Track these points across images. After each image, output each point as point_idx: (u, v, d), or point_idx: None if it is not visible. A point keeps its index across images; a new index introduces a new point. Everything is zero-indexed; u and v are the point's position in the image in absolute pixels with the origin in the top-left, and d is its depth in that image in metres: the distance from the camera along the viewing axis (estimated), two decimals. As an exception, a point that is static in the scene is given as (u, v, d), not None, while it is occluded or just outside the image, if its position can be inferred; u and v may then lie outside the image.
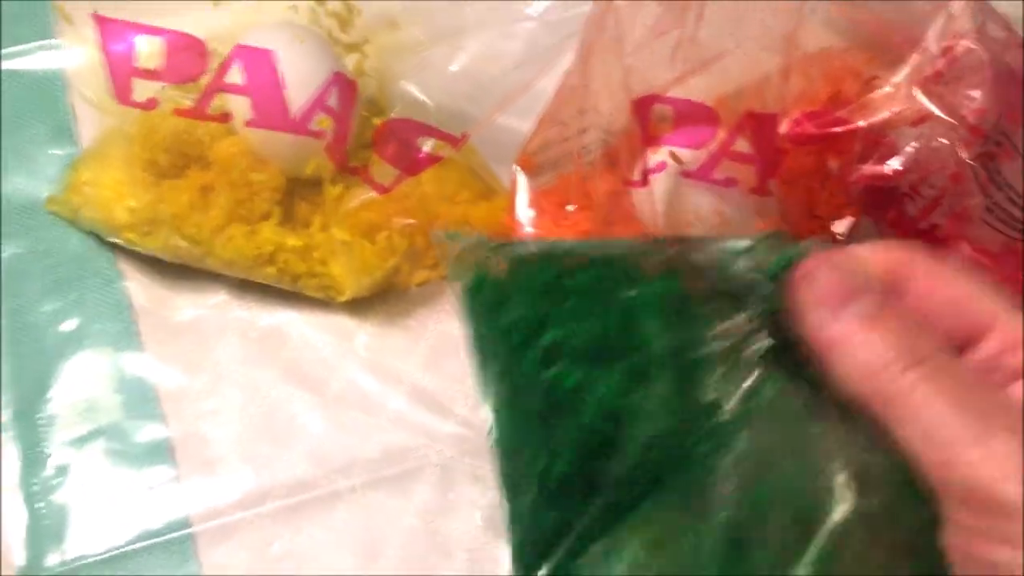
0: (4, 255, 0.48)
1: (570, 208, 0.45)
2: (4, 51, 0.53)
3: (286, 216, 0.46)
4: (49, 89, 0.52)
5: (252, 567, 0.42)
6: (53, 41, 0.53)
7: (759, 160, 0.41)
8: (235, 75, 0.43)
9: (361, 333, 0.47)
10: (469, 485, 0.43)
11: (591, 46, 0.39)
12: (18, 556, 0.42)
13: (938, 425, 0.23)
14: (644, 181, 0.41)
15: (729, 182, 0.41)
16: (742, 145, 0.41)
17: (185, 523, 0.42)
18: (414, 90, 0.46)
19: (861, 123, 0.43)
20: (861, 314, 0.25)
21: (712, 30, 0.40)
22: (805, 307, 0.26)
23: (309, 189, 0.47)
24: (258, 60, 0.43)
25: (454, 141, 0.43)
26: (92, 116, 0.50)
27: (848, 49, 0.45)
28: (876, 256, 0.27)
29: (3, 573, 0.41)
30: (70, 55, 0.51)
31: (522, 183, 0.47)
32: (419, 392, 0.45)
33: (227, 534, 0.42)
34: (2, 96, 0.52)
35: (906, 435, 0.24)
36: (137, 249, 0.46)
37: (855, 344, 0.25)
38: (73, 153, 0.50)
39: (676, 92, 0.41)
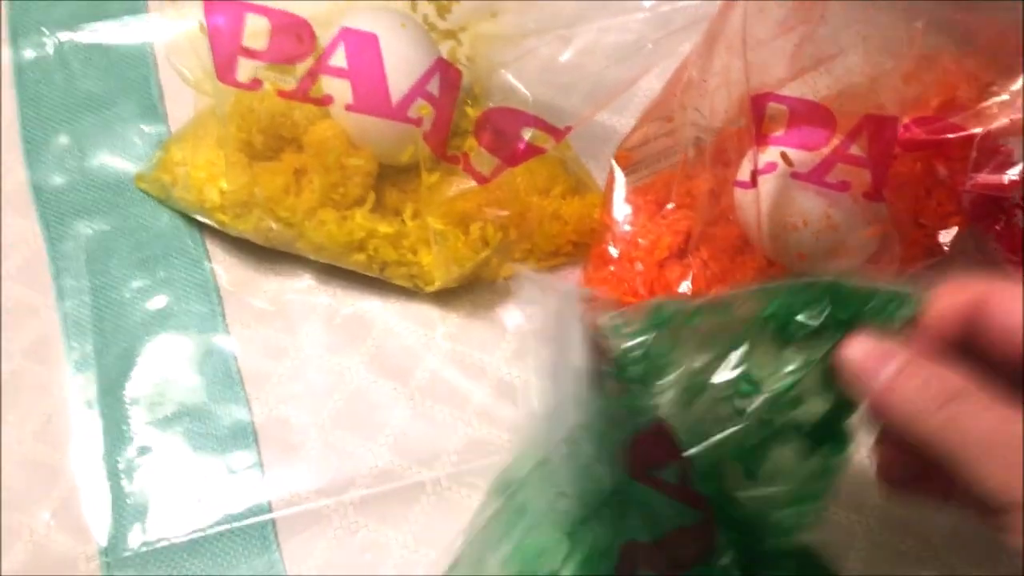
0: (91, 231, 0.48)
1: (669, 207, 0.44)
2: (95, 24, 0.53)
3: (376, 203, 0.45)
4: (139, 65, 0.52)
5: (332, 556, 0.41)
6: (144, 16, 0.53)
7: (874, 164, 0.39)
8: (339, 58, 0.43)
9: (446, 324, 0.46)
10: (555, 484, 0.43)
11: (714, 39, 0.38)
12: (100, 534, 0.41)
13: (975, 454, 0.27)
14: (753, 182, 0.40)
15: (842, 186, 0.40)
16: (856, 149, 0.40)
17: (266, 508, 0.42)
18: (512, 80, 0.45)
19: (977, 130, 0.41)
20: (891, 374, 0.29)
21: (833, 28, 0.39)
22: (851, 383, 0.30)
23: (400, 176, 0.46)
24: (362, 44, 0.42)
25: (556, 133, 0.42)
26: (181, 94, 0.50)
27: (964, 54, 0.44)
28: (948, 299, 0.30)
29: (84, 551, 0.41)
30: (164, 31, 0.51)
31: (619, 179, 0.46)
32: (504, 386, 0.45)
33: (308, 522, 0.42)
34: (91, 71, 0.52)
35: (956, 464, 0.27)
36: (227, 231, 0.46)
37: (893, 399, 0.29)
38: (161, 130, 0.50)
39: (790, 89, 0.40)
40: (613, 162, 0.46)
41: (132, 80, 0.51)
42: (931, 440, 0.28)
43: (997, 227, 0.44)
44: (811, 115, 0.39)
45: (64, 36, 0.52)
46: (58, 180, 0.49)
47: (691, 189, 0.44)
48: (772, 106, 0.40)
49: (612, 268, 0.45)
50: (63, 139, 0.50)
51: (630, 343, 0.32)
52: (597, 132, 0.49)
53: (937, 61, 0.44)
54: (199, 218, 0.47)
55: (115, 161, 0.50)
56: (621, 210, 0.45)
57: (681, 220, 0.44)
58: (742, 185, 0.41)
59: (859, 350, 0.30)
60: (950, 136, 0.42)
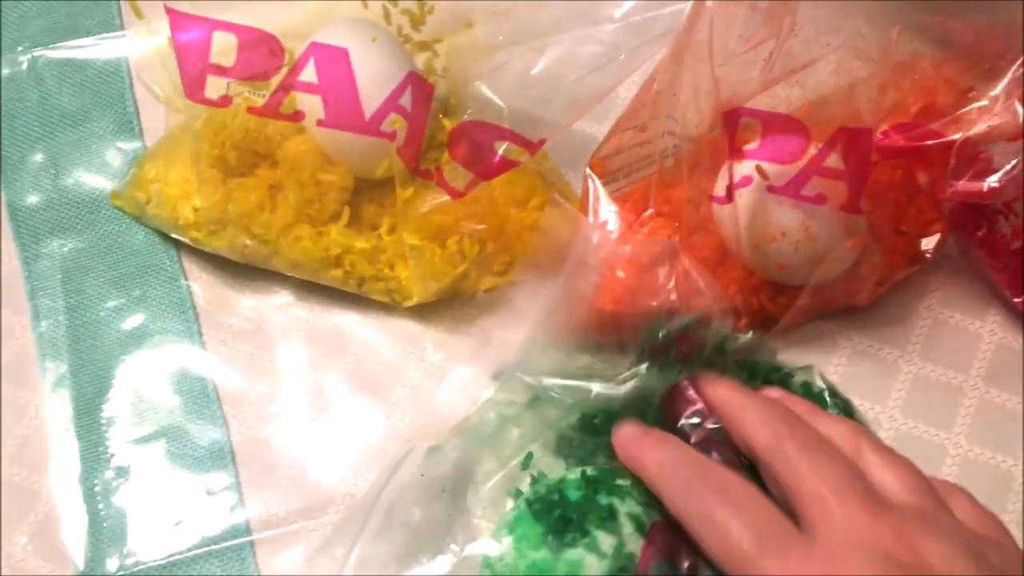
0: (65, 249, 0.47)
1: (648, 213, 0.43)
2: (69, 43, 0.52)
3: (353, 217, 0.45)
4: (114, 82, 0.51)
5: (312, 578, 0.41)
6: (119, 34, 0.52)
7: (850, 176, 0.39)
8: (309, 73, 0.42)
9: (426, 339, 0.46)
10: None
11: (682, 51, 0.38)
12: (77, 558, 0.41)
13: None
14: (729, 197, 0.39)
15: (819, 199, 0.39)
16: (833, 160, 0.39)
17: (245, 530, 0.42)
18: (488, 92, 0.44)
19: (956, 136, 0.41)
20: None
21: (804, 39, 0.39)
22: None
23: (377, 190, 0.46)
24: (332, 58, 0.42)
25: (530, 146, 0.42)
26: (156, 111, 0.50)
27: (943, 59, 0.43)
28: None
29: (62, 575, 0.41)
30: (137, 48, 0.50)
31: (594, 187, 0.46)
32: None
33: (288, 543, 0.41)
34: (66, 88, 0.51)
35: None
36: (202, 248, 0.46)
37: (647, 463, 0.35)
38: (137, 147, 0.50)
39: (763, 100, 0.40)
40: (588, 170, 0.46)
41: (107, 97, 0.51)
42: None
43: (979, 233, 0.44)
44: (784, 127, 0.39)
45: (38, 53, 0.52)
46: (33, 199, 0.48)
47: (670, 197, 0.43)
48: (745, 119, 0.39)
49: (593, 278, 0.45)
50: (38, 157, 0.49)
51: None
52: (576, 141, 0.48)
53: (915, 66, 0.43)
54: (174, 235, 0.46)
55: (91, 178, 0.49)
56: (598, 219, 0.45)
57: (661, 228, 0.43)
58: (718, 200, 0.40)
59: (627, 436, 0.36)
60: (929, 143, 0.42)
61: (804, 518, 0.31)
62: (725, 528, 0.30)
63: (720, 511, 0.31)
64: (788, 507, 0.31)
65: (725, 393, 0.35)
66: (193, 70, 0.42)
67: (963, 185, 0.41)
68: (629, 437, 0.36)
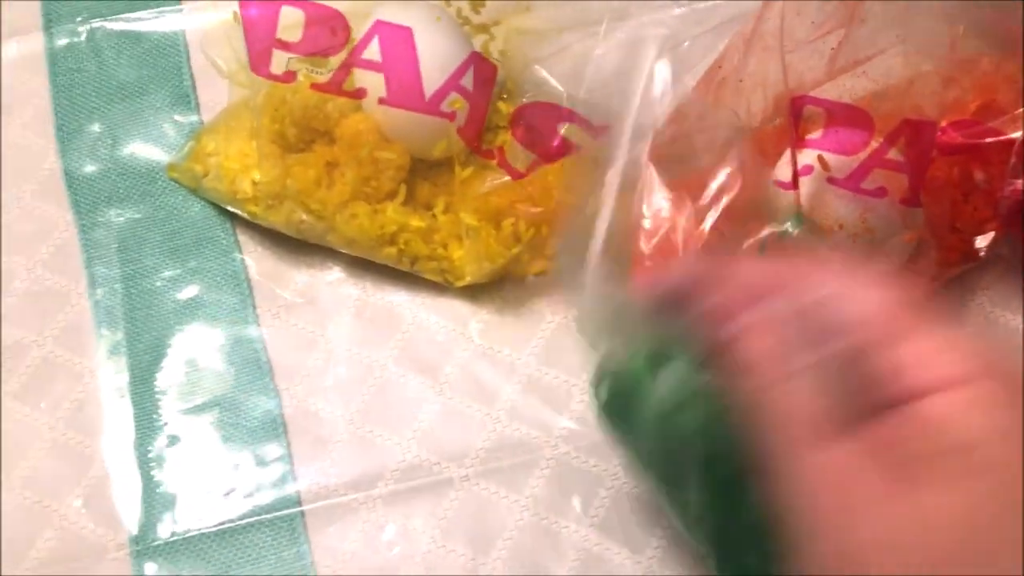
0: (122, 219, 0.48)
1: (703, 203, 0.43)
2: (127, 15, 0.53)
3: (408, 196, 0.45)
4: (171, 55, 0.52)
5: (362, 550, 0.41)
6: (176, 7, 0.53)
7: (912, 169, 0.39)
8: (372, 51, 0.43)
9: (475, 320, 0.46)
10: (583, 483, 0.43)
11: (751, 40, 0.38)
12: (130, 523, 0.42)
13: None
14: (795, 183, 0.39)
15: (879, 192, 0.39)
16: (894, 153, 0.40)
17: (295, 501, 0.42)
18: (546, 76, 0.45)
19: (1016, 135, 0.41)
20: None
21: (871, 30, 0.39)
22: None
23: (431, 170, 0.46)
24: (396, 37, 0.42)
25: (594, 130, 0.42)
26: (213, 85, 0.50)
27: (1003, 57, 0.43)
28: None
29: (115, 539, 0.41)
30: (197, 22, 0.51)
31: (650, 176, 0.46)
32: (534, 384, 0.45)
33: (337, 515, 0.42)
34: (123, 60, 0.52)
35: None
36: (258, 222, 0.46)
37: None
38: (194, 120, 0.50)
39: (827, 91, 0.40)
40: (644, 159, 0.46)
41: (164, 69, 0.51)
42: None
43: (1035, 232, 0.44)
44: (849, 118, 0.39)
45: (97, 24, 0.52)
46: (90, 168, 0.49)
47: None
48: (809, 108, 0.39)
49: (646, 264, 0.45)
50: (95, 127, 0.50)
51: None
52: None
53: (976, 64, 0.43)
54: (230, 209, 0.47)
55: (147, 150, 0.50)
56: (653, 206, 0.45)
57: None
58: (783, 186, 0.40)
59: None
60: (988, 140, 0.42)
61: None
62: None
63: None
64: None
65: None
66: (260, 45, 0.42)
67: (1022, 184, 0.41)
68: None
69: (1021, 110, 0.41)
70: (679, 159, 0.46)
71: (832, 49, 0.37)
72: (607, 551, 0.41)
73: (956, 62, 0.41)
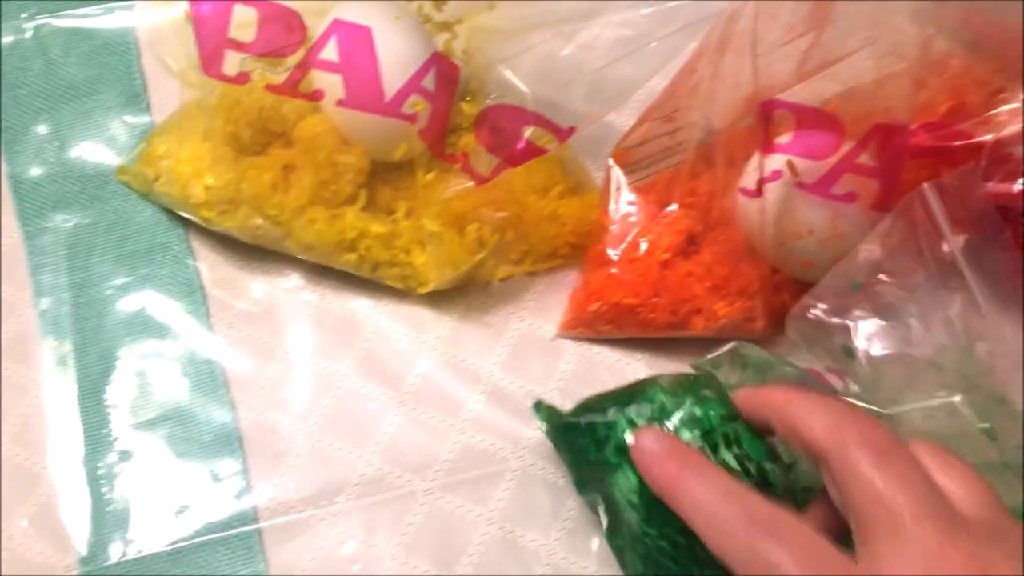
0: (69, 225, 0.46)
1: (671, 208, 0.43)
2: (75, 11, 0.51)
3: (368, 201, 0.44)
4: (121, 54, 0.50)
5: (321, 568, 0.40)
6: (127, 3, 0.51)
7: (883, 174, 0.38)
8: (330, 51, 0.41)
9: (439, 327, 0.45)
10: (549, 494, 0.41)
11: (724, 41, 0.37)
12: (79, 543, 0.40)
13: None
14: (759, 191, 0.38)
15: (849, 197, 0.38)
16: (864, 158, 0.39)
17: (252, 518, 0.41)
18: (511, 76, 0.43)
19: (986, 138, 0.40)
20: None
21: (841, 31, 0.38)
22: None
23: (392, 173, 0.45)
24: (355, 37, 0.41)
25: (560, 133, 0.41)
26: (165, 85, 0.49)
27: (973, 59, 0.42)
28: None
29: (63, 560, 0.40)
30: (148, 20, 0.49)
31: (617, 178, 0.45)
32: (499, 393, 0.44)
33: (296, 532, 0.41)
34: (71, 58, 0.50)
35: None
36: (213, 228, 0.44)
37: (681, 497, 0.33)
38: (145, 121, 0.48)
39: (797, 93, 0.39)
40: (611, 161, 0.45)
41: (114, 68, 0.49)
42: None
43: (1005, 235, 0.43)
44: (819, 122, 0.38)
45: (44, 21, 0.50)
46: (36, 171, 0.47)
47: (694, 189, 0.43)
48: (778, 112, 0.38)
49: (613, 270, 0.44)
50: (42, 128, 0.48)
51: None
52: (594, 130, 0.47)
53: (945, 66, 0.42)
54: (183, 214, 0.45)
55: (96, 152, 0.48)
56: (620, 210, 0.44)
57: (681, 219, 0.42)
58: (747, 193, 0.39)
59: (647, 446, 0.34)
60: (958, 143, 0.41)
61: (869, 532, 0.29)
62: (777, 569, 0.29)
63: (772, 552, 0.29)
64: (848, 510, 0.30)
65: (780, 394, 0.33)
66: (211, 44, 0.40)
67: (992, 187, 0.40)
68: (654, 456, 0.33)
69: (989, 112, 0.41)
70: (646, 161, 0.45)
71: (803, 52, 0.36)
72: (574, 564, 0.40)
73: (926, 64, 0.40)
